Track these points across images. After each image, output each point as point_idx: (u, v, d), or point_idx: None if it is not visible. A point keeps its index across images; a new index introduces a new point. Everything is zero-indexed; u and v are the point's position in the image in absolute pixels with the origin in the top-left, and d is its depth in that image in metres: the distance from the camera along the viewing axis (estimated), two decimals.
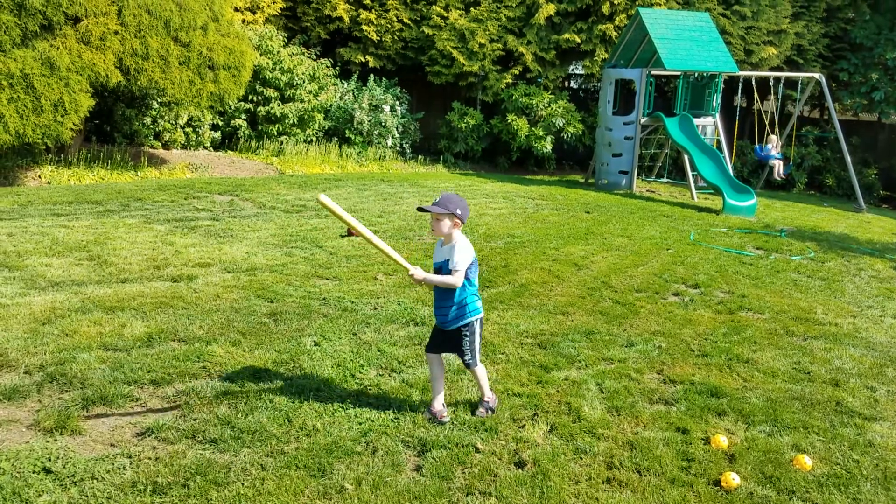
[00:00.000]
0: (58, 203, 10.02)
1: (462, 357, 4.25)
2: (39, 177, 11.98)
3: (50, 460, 3.58)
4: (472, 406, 4.41)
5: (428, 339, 4.43)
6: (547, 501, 3.49)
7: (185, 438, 3.88)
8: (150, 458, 3.67)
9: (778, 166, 16.73)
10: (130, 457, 3.67)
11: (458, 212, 4.06)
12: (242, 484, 3.48)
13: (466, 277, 4.14)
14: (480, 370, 4.33)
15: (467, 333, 4.19)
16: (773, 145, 16.64)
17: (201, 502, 3.32)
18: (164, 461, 3.64)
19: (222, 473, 3.55)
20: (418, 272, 4.10)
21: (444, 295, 4.18)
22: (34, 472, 3.48)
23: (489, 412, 4.32)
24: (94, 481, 3.43)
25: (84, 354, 4.83)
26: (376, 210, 11.07)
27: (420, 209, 4.09)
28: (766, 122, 17.01)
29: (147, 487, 3.40)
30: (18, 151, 11.95)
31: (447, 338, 4.26)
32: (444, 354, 4.39)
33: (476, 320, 4.22)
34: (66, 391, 4.35)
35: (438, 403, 4.27)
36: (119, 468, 3.56)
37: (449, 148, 19.00)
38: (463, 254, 4.08)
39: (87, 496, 3.31)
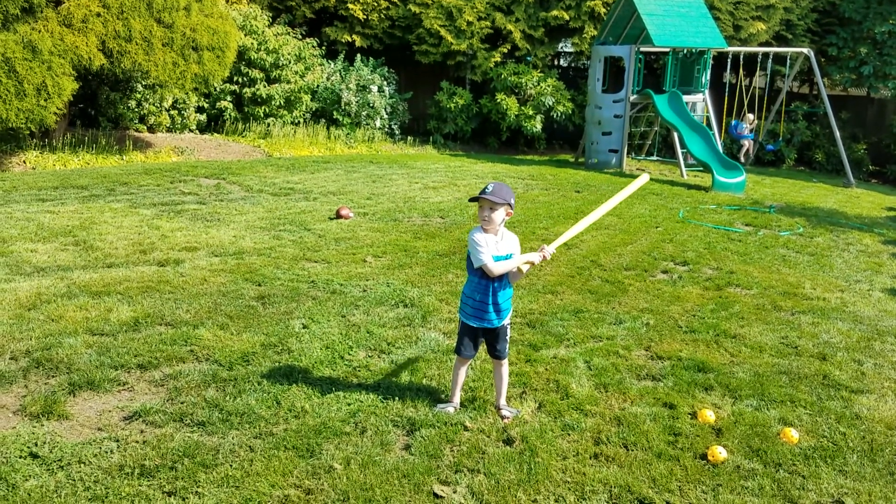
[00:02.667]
0: (43, 188, 9.94)
1: (504, 349, 4.10)
2: (24, 162, 11.87)
3: (37, 445, 3.56)
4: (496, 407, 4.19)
5: (462, 345, 4.08)
6: (535, 477, 3.50)
7: (172, 422, 3.87)
8: (137, 442, 3.66)
9: (748, 146, 16.80)
10: (118, 440, 3.66)
11: (512, 201, 3.89)
12: (231, 465, 3.47)
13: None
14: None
15: (509, 324, 4.12)
16: (748, 124, 16.70)
17: (189, 484, 3.31)
18: (152, 444, 3.63)
19: (210, 455, 3.54)
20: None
21: (508, 289, 4.00)
22: (21, 456, 3.47)
23: (517, 411, 4.16)
24: (81, 465, 3.42)
25: (70, 339, 4.80)
26: (365, 192, 11.02)
27: (474, 199, 3.87)
28: (745, 101, 17.02)
29: (134, 470, 3.39)
30: (2, 137, 11.83)
31: (488, 336, 4.08)
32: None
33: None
34: (53, 376, 4.32)
35: (457, 399, 4.20)
36: (106, 452, 3.55)
37: (438, 128, 18.91)
38: (517, 241, 4.03)
39: (73, 480, 3.30)
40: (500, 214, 3.85)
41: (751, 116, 16.90)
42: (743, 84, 17.35)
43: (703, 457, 3.77)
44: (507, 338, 4.13)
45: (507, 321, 4.08)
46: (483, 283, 3.93)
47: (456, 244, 7.93)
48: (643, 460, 3.71)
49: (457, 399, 4.20)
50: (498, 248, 3.88)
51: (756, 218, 10.72)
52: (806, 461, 3.81)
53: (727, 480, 3.58)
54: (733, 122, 17.05)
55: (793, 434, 4.02)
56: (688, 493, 3.48)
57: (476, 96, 18.98)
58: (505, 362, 4.15)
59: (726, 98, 16.89)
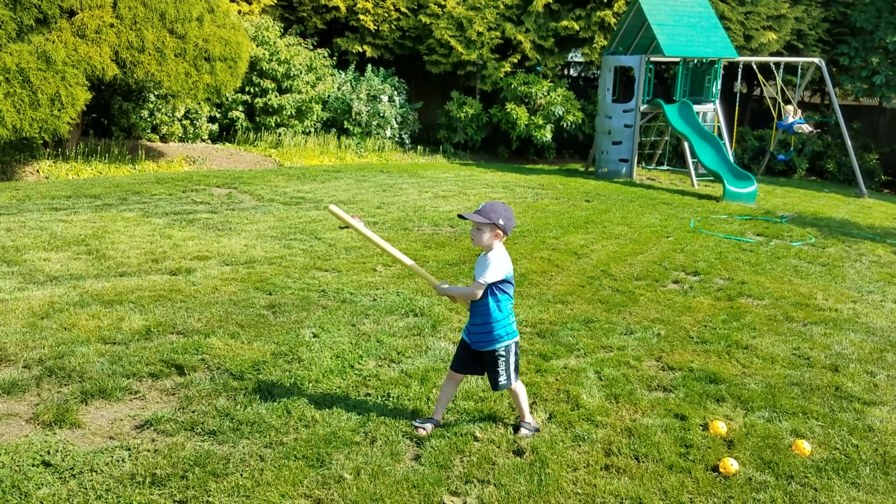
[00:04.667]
0: (56, 197, 10.01)
1: (496, 378, 3.92)
2: (37, 171, 11.97)
3: (49, 453, 3.58)
4: (514, 427, 4.08)
5: (453, 357, 4.11)
6: (545, 489, 3.49)
7: (183, 430, 3.89)
8: (148, 451, 3.67)
9: (805, 128, 16.46)
10: (129, 449, 3.67)
11: (501, 222, 3.76)
12: (241, 475, 3.48)
13: (505, 293, 3.88)
14: (520, 388, 4.02)
15: (503, 354, 3.90)
16: (791, 113, 16.50)
17: (200, 493, 3.32)
18: (163, 453, 3.64)
19: (221, 465, 3.55)
20: (441, 286, 3.95)
21: (476, 311, 3.89)
22: (33, 465, 3.48)
23: (534, 432, 4.02)
24: (93, 474, 3.43)
25: (83, 348, 4.83)
26: (375, 201, 11.05)
27: (461, 217, 3.89)
28: (779, 100, 16.89)
29: (146, 479, 3.40)
30: (16, 146, 11.93)
31: (477, 359, 3.98)
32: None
33: (513, 343, 3.93)
34: (65, 385, 4.35)
35: (438, 417, 4.08)
36: (118, 460, 3.56)
37: (448, 138, 18.96)
38: (494, 268, 3.79)
39: (85, 489, 3.31)
40: (486, 235, 3.80)
41: (789, 107, 16.67)
42: (766, 94, 17.24)
43: (715, 469, 3.75)
44: (499, 370, 3.91)
45: (494, 349, 3.90)
46: None
47: (466, 253, 7.93)
48: (654, 472, 3.69)
49: (438, 416, 4.07)
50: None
51: (767, 228, 10.68)
52: (818, 473, 3.78)
53: (739, 493, 3.56)
54: (779, 122, 16.75)
55: (805, 446, 3.99)
56: None
57: (486, 106, 19.04)
58: (514, 387, 3.99)
59: (737, 108, 16.86)
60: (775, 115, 16.93)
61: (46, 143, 12.59)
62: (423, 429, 3.97)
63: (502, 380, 3.93)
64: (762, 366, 5.22)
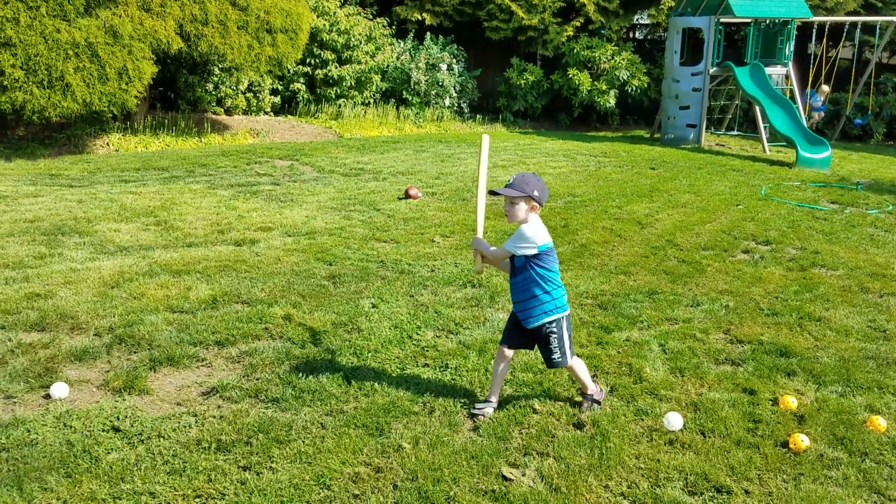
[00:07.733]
0: (125, 170, 10.30)
1: (550, 356, 3.77)
2: (107, 144, 12.32)
3: (118, 419, 3.69)
4: (576, 403, 3.97)
5: (503, 333, 3.95)
6: (606, 462, 3.43)
7: (248, 397, 3.96)
8: (214, 417, 3.75)
9: (816, 118, 16.28)
10: (196, 415, 3.77)
11: (536, 193, 3.58)
12: (303, 442, 3.53)
13: (545, 268, 3.67)
14: (577, 363, 3.87)
15: (555, 331, 3.72)
16: (822, 95, 16.07)
17: (264, 459, 3.38)
18: (228, 419, 3.72)
19: (284, 431, 3.61)
20: (478, 239, 3.81)
21: (516, 287, 3.74)
22: (103, 430, 3.60)
23: (595, 405, 3.91)
24: (161, 439, 3.53)
25: (151, 317, 4.96)
26: (433, 172, 11.01)
27: (492, 193, 3.72)
28: (824, 72, 16.31)
29: (211, 445, 3.48)
30: (86, 119, 12.28)
31: (527, 335, 3.82)
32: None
33: (563, 317, 3.74)
34: (135, 352, 4.48)
35: (495, 398, 3.90)
36: (185, 426, 3.65)
37: (508, 106, 18.71)
38: (523, 239, 3.61)
39: (153, 454, 3.41)
40: (522, 209, 3.61)
41: (826, 88, 16.21)
42: (824, 55, 16.56)
43: (785, 445, 3.62)
44: (552, 347, 3.74)
45: (542, 324, 3.72)
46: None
47: None
48: (721, 447, 3.59)
49: (495, 398, 3.90)
50: None
51: (842, 195, 10.23)
52: (894, 451, 3.61)
53: (809, 469, 3.43)
54: (809, 91, 16.41)
55: (880, 422, 3.82)
56: (767, 481, 3.35)
57: (547, 72, 18.67)
58: (572, 363, 3.83)
59: (812, 70, 16.14)
60: (808, 85, 16.39)
61: (115, 117, 12.93)
62: (483, 414, 3.82)
63: (556, 357, 3.77)
64: (836, 339, 5.02)
